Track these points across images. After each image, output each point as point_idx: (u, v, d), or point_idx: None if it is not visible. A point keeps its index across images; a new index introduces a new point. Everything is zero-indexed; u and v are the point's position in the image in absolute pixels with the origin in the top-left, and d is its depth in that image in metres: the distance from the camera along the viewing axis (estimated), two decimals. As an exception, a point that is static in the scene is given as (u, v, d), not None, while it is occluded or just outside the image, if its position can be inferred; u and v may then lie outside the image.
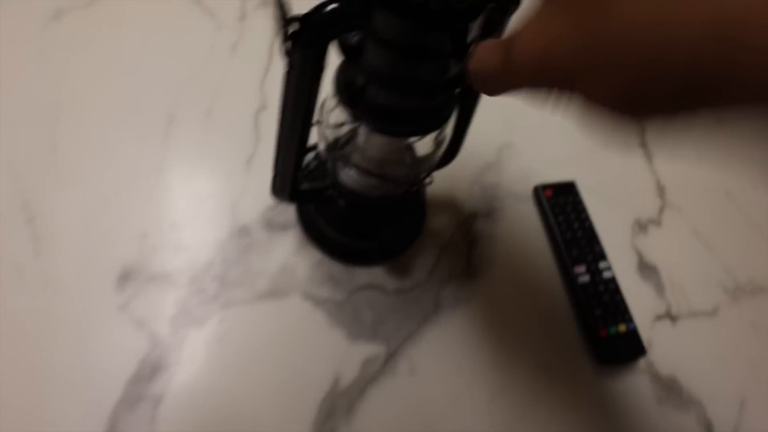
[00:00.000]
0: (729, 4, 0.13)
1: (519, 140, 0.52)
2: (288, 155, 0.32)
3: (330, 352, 0.38)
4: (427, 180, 0.37)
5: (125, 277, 0.38)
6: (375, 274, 0.42)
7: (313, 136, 0.33)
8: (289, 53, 0.24)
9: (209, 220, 0.42)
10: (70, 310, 0.37)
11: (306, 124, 0.29)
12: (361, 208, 0.41)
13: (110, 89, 0.46)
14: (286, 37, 0.23)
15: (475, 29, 0.23)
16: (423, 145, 0.36)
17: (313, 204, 0.42)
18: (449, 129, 0.34)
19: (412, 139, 0.35)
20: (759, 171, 0.56)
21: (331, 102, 0.32)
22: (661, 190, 0.53)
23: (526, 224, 0.48)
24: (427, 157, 0.35)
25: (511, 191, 0.49)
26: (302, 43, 0.23)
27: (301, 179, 0.36)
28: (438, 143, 0.34)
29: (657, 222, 0.51)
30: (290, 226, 0.42)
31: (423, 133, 0.29)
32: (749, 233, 0.52)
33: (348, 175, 0.37)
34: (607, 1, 0.15)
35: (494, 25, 0.25)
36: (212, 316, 0.38)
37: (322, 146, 0.35)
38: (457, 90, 0.26)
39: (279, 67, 0.43)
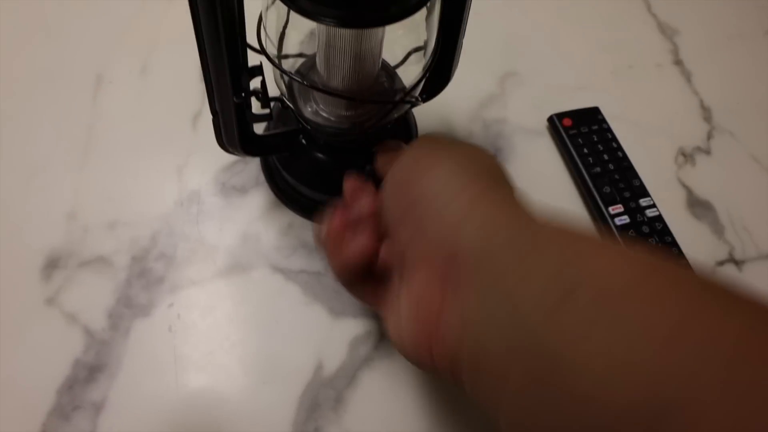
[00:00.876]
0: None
1: (525, 68, 0.46)
2: (221, 82, 0.26)
3: (309, 333, 0.33)
4: (413, 99, 0.31)
5: (52, 265, 0.33)
6: (358, 236, 0.36)
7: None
8: None
9: (149, 190, 0.37)
10: (-12, 309, 0.32)
11: (231, 33, 0.23)
12: (337, 154, 0.36)
13: (29, 53, 0.41)
14: None
15: None
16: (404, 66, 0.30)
17: (279, 159, 0.36)
18: (432, 31, 0.28)
19: (386, 54, 0.30)
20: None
21: (270, 16, 0.27)
22: (706, 113, 0.47)
23: (542, 162, 0.42)
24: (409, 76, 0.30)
25: (520, 126, 0.43)
26: None
27: (254, 121, 0.30)
28: (417, 51, 0.29)
29: (706, 150, 0.45)
30: (250, 188, 0.37)
31: (392, 20, 0.23)
32: (823, 151, 0.45)
33: (315, 112, 0.31)
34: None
35: None
36: (160, 301, 0.33)
37: (280, 84, 0.30)
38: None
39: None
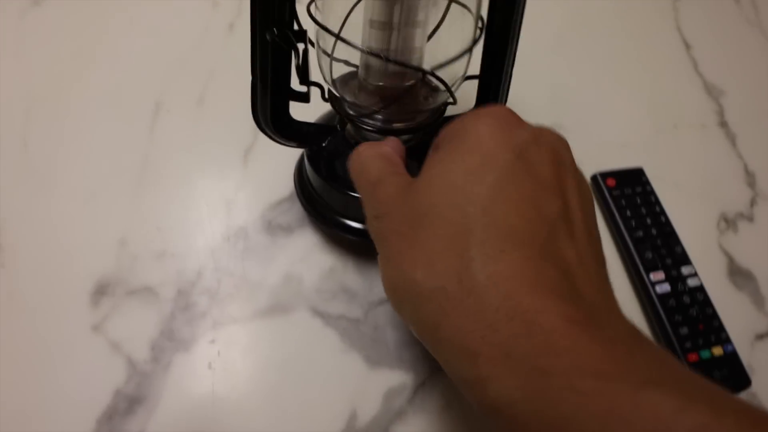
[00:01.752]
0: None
1: (569, 121, 0.47)
2: (263, 44, 0.25)
3: (345, 381, 0.33)
4: (450, 100, 0.30)
5: (101, 292, 0.34)
6: (398, 285, 0.36)
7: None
8: None
9: (199, 223, 0.37)
10: (36, 329, 0.33)
11: None
12: None
13: (91, 79, 0.43)
14: None
15: None
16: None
17: (322, 193, 0.35)
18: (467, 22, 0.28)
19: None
20: None
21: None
22: (750, 178, 0.46)
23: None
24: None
25: (564, 182, 0.43)
26: None
27: (294, 98, 0.29)
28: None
29: (748, 217, 0.44)
30: (295, 227, 0.38)
31: None
32: None
33: (356, 104, 0.30)
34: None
35: None
36: (201, 336, 0.34)
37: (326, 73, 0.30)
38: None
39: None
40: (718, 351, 0.35)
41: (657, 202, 0.41)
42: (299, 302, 0.35)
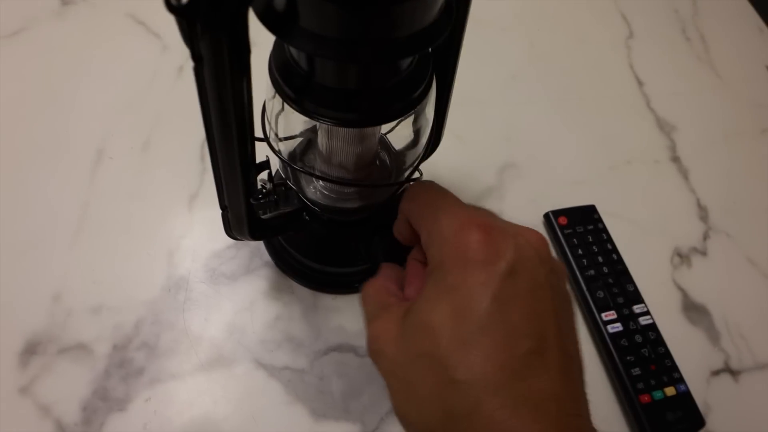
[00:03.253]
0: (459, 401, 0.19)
1: (524, 160, 0.48)
2: (232, 183, 0.27)
3: (288, 437, 0.32)
4: (415, 175, 0.32)
5: (30, 351, 0.33)
6: (345, 332, 0.36)
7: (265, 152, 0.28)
8: (191, 41, 0.18)
9: (138, 274, 0.37)
10: (-41, 394, 0.32)
11: (244, 138, 0.24)
12: (339, 227, 0.36)
13: (32, 126, 0.43)
14: (181, 16, 0.17)
15: None
16: (400, 138, 0.31)
17: (284, 236, 0.37)
18: (429, 109, 0.29)
19: (384, 130, 0.31)
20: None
21: (275, 105, 0.28)
22: (703, 212, 0.48)
23: (536, 261, 0.42)
24: (408, 152, 0.31)
25: (517, 220, 0.44)
26: (205, 22, 0.17)
27: (260, 208, 0.30)
28: (418, 130, 0.30)
29: (702, 251, 0.45)
30: (240, 275, 0.38)
31: (393, 118, 0.24)
32: (820, 260, 0.46)
33: (317, 191, 0.32)
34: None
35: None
36: (137, 395, 0.33)
37: (277, 164, 0.31)
38: (430, 49, 0.21)
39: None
40: (670, 391, 0.36)
41: (609, 239, 0.42)
42: (242, 354, 0.35)
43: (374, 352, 0.23)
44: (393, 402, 0.22)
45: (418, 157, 0.31)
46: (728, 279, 0.44)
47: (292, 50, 0.23)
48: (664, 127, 0.53)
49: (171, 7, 0.16)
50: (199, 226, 0.39)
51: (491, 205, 0.45)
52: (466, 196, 0.45)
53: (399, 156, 0.32)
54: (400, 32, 0.19)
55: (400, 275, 0.27)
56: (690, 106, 0.55)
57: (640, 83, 0.56)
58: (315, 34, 0.19)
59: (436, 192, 0.25)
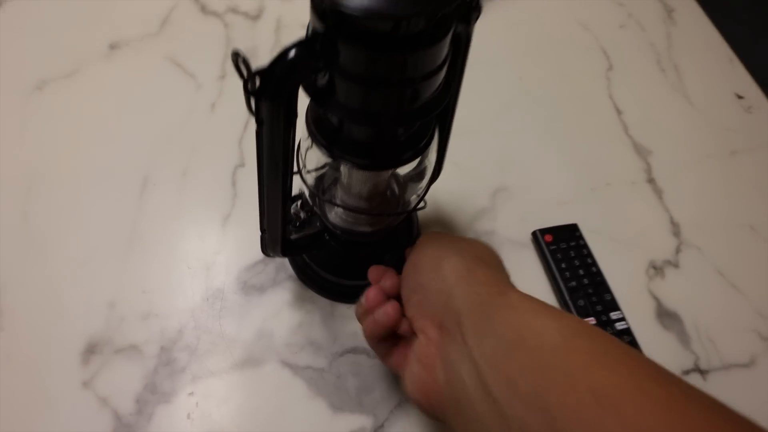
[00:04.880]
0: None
1: (514, 182, 0.52)
2: (273, 212, 0.32)
3: (310, 425, 0.36)
4: (420, 205, 0.36)
5: (90, 350, 0.38)
6: (359, 337, 0.40)
7: (295, 183, 0.33)
8: (256, 110, 0.24)
9: (181, 285, 0.41)
10: (32, 387, 0.36)
11: (286, 177, 0.29)
12: (355, 246, 0.41)
13: (87, 156, 0.47)
14: (251, 94, 0.23)
15: (445, 47, 0.23)
16: (408, 173, 0.36)
17: (307, 253, 0.41)
18: (432, 151, 0.34)
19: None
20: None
21: (306, 143, 0.32)
22: (675, 228, 0.51)
23: (525, 273, 0.46)
24: (414, 184, 0.35)
25: (507, 238, 0.48)
26: (268, 97, 0.23)
27: (290, 231, 0.35)
28: (423, 170, 0.34)
29: (674, 264, 0.49)
30: (268, 287, 0.42)
31: (404, 163, 0.29)
32: (781, 271, 0.49)
33: (338, 215, 0.36)
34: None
35: (462, 39, 0.25)
36: (181, 389, 0.37)
37: (306, 192, 0.35)
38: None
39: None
40: (643, 388, 0.39)
41: (589, 254, 0.46)
42: (270, 355, 0.39)
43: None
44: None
45: (423, 188, 0.35)
46: (698, 288, 0.48)
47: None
48: (640, 151, 0.57)
49: (248, 89, 0.22)
50: (231, 243, 0.44)
51: (484, 225, 0.49)
52: (462, 217, 0.49)
53: (407, 188, 0.36)
54: (411, 105, 0.24)
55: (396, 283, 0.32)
56: (664, 131, 0.59)
57: (618, 112, 0.60)
58: (347, 105, 0.23)
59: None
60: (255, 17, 0.60)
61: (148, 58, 0.54)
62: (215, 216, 0.45)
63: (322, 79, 0.24)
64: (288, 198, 0.31)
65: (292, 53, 0.22)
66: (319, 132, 0.28)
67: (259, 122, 0.25)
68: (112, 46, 0.55)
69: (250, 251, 0.43)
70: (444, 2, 0.20)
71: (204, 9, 0.60)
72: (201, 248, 0.43)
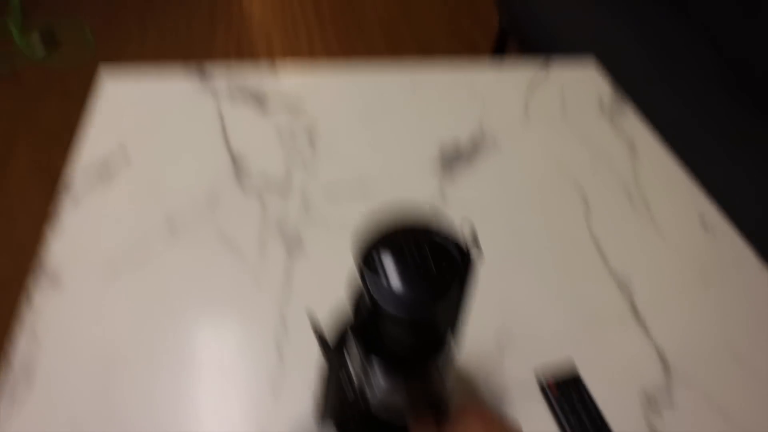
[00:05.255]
0: None
1: (515, 324, 0.57)
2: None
3: None
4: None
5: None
6: None
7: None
8: (330, 362, 0.38)
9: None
10: None
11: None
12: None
13: (151, 343, 0.53)
14: (327, 356, 0.36)
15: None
16: None
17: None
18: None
19: None
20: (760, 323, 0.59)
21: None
22: (665, 365, 0.57)
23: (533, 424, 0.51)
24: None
25: (513, 377, 0.54)
26: (337, 354, 0.37)
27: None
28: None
29: (668, 401, 0.54)
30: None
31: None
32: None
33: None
34: None
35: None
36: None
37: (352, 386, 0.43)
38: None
39: (297, 296, 0.53)
40: None
41: (592, 403, 0.52)
42: None
43: None
44: None
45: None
46: (695, 425, 0.52)
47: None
48: (623, 289, 0.64)
49: (325, 354, 0.33)
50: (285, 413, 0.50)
51: (495, 380, 0.55)
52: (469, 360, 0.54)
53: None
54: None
55: None
56: (643, 266, 0.65)
57: (600, 250, 0.67)
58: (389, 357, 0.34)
59: None
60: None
61: (203, 238, 0.62)
62: (262, 387, 0.52)
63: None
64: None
65: (350, 334, 0.34)
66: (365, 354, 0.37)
67: (331, 368, 0.36)
68: (172, 233, 0.62)
69: None
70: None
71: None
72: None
